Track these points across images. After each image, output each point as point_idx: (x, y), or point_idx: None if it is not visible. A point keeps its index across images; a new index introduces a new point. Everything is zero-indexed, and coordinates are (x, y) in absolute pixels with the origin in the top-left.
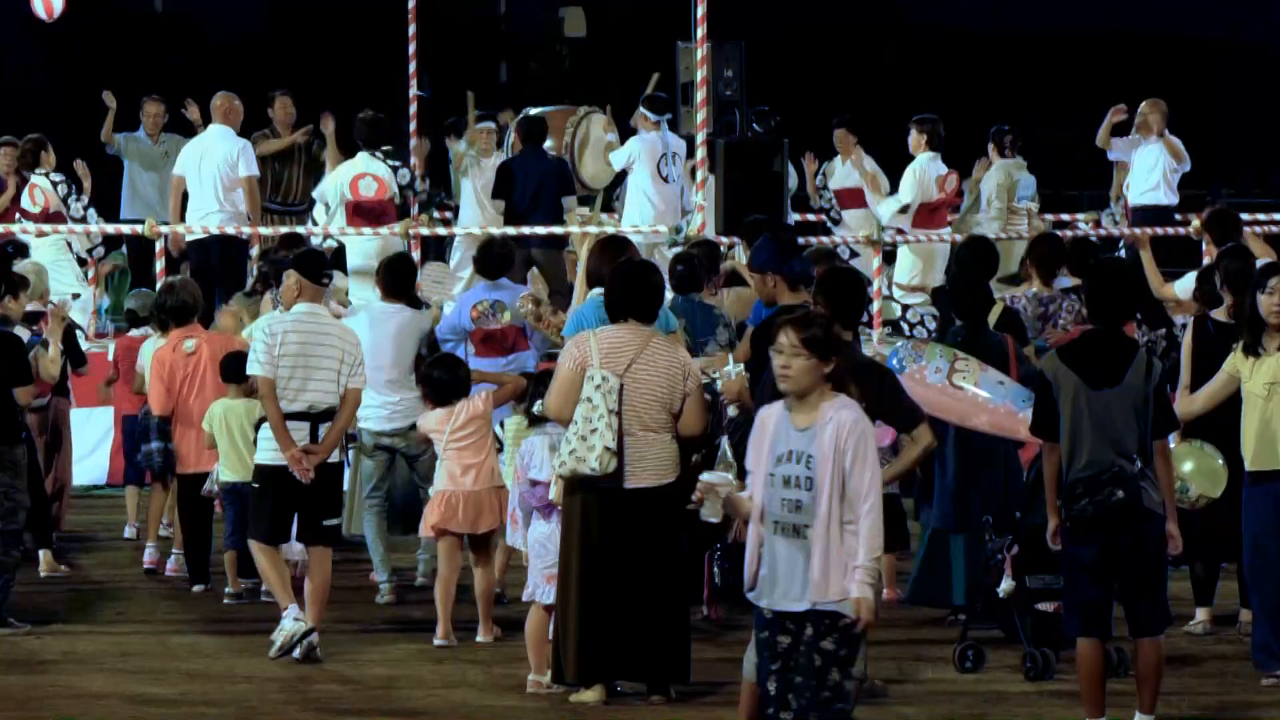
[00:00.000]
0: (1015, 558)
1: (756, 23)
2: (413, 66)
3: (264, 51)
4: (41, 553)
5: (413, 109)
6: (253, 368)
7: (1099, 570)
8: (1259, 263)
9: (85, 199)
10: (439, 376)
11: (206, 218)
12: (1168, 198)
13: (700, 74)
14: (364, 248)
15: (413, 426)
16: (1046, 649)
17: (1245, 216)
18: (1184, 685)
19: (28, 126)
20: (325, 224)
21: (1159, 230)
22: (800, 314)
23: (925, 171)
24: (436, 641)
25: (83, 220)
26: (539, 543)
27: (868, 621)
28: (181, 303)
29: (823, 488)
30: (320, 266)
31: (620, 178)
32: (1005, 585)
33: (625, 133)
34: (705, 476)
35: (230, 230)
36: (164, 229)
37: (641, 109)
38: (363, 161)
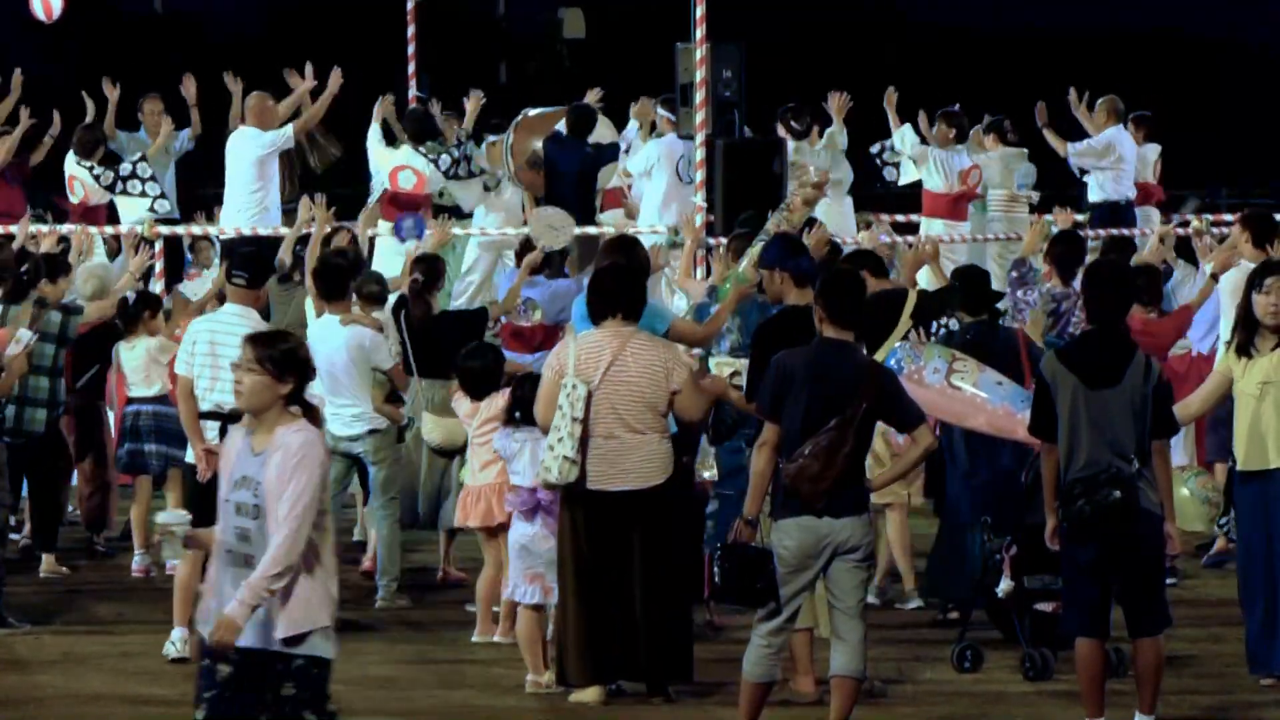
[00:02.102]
0: (1014, 558)
1: (756, 23)
2: (412, 67)
3: (264, 52)
4: (44, 555)
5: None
6: (176, 367)
7: (1097, 570)
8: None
9: (135, 158)
10: (470, 367)
11: (237, 215)
12: (1103, 195)
13: (699, 75)
14: (395, 244)
15: (371, 433)
16: (1045, 649)
17: None
18: (1184, 686)
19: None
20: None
21: (1123, 230)
22: (265, 332)
23: (950, 161)
24: (474, 638)
25: (143, 193)
26: (520, 544)
27: (219, 640)
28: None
29: (271, 517)
30: (232, 267)
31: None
32: (1004, 585)
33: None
34: (160, 518)
35: (264, 231)
36: (162, 229)
37: (662, 110)
38: (404, 154)
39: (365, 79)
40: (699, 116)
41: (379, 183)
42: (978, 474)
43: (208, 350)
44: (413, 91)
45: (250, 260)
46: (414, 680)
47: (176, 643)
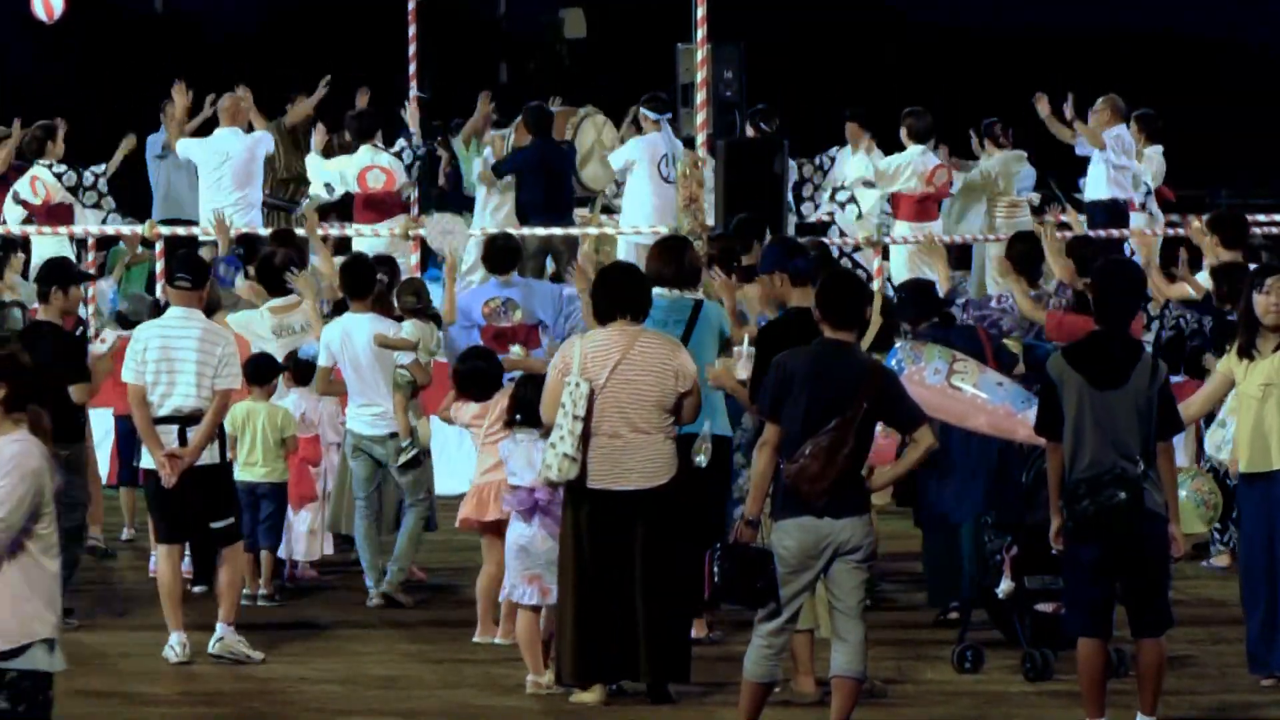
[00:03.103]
0: (1015, 558)
1: (756, 23)
2: (413, 67)
3: (264, 52)
4: None
5: (413, 109)
6: (124, 375)
7: (1100, 570)
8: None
9: (100, 171)
10: (469, 369)
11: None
12: (1111, 191)
13: (700, 75)
14: (372, 244)
15: (393, 434)
16: (1046, 649)
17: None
18: (1184, 686)
19: (28, 126)
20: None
21: (1115, 231)
22: None
23: (915, 164)
24: (475, 639)
25: (97, 204)
26: (519, 545)
27: None
28: (213, 301)
29: None
30: (176, 270)
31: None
32: (1004, 586)
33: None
34: None
35: (243, 229)
36: (163, 230)
37: (642, 109)
38: (368, 154)
39: (365, 79)
40: (700, 117)
41: (344, 187)
42: (970, 473)
43: (159, 356)
44: (413, 91)
45: (192, 262)
46: (414, 680)
47: (176, 647)
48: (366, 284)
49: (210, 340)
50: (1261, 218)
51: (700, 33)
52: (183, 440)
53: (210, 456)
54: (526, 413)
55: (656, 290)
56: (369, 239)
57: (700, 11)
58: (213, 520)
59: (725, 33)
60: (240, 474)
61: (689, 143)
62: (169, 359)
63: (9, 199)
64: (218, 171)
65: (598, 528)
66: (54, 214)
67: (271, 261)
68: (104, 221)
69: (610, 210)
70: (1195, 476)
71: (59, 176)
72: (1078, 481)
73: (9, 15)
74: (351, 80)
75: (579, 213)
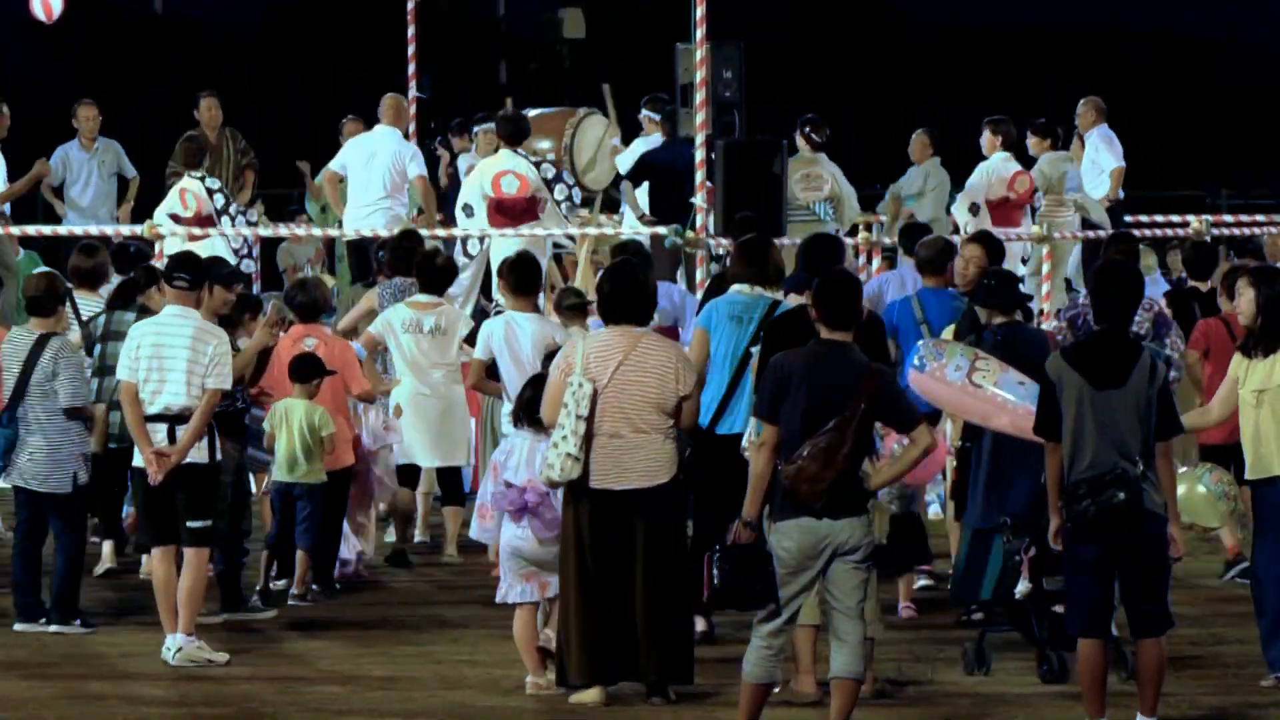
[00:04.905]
0: (1033, 559)
1: (756, 23)
2: (412, 67)
3: (263, 53)
4: (106, 544)
5: (413, 109)
6: (119, 372)
7: (1100, 570)
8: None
9: (243, 209)
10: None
11: (370, 216)
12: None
13: (699, 75)
14: (508, 247)
15: None
16: (1064, 652)
17: (1244, 217)
18: (1184, 686)
19: (27, 128)
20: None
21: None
22: None
23: (994, 170)
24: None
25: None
26: (511, 546)
27: None
28: (311, 300)
29: None
30: (174, 269)
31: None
32: (1022, 587)
33: (627, 132)
34: None
35: (383, 232)
36: (163, 230)
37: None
38: (505, 158)
39: (365, 79)
40: (699, 117)
41: (479, 193)
42: (1005, 478)
43: (152, 354)
44: (413, 92)
45: (191, 263)
46: (414, 680)
47: (173, 648)
48: (532, 281)
49: (202, 339)
50: (1261, 218)
51: (699, 33)
52: (171, 439)
53: (199, 455)
54: (528, 413)
55: (736, 286)
56: (502, 241)
57: (699, 11)
58: (190, 519)
59: (725, 32)
60: (276, 474)
61: (688, 142)
62: (160, 356)
63: (160, 214)
64: (365, 170)
65: (598, 527)
66: (204, 225)
67: (433, 260)
68: (239, 250)
69: (614, 209)
70: (1213, 469)
71: (210, 192)
72: (1078, 482)
73: (9, 15)
74: (351, 80)
75: (579, 213)
